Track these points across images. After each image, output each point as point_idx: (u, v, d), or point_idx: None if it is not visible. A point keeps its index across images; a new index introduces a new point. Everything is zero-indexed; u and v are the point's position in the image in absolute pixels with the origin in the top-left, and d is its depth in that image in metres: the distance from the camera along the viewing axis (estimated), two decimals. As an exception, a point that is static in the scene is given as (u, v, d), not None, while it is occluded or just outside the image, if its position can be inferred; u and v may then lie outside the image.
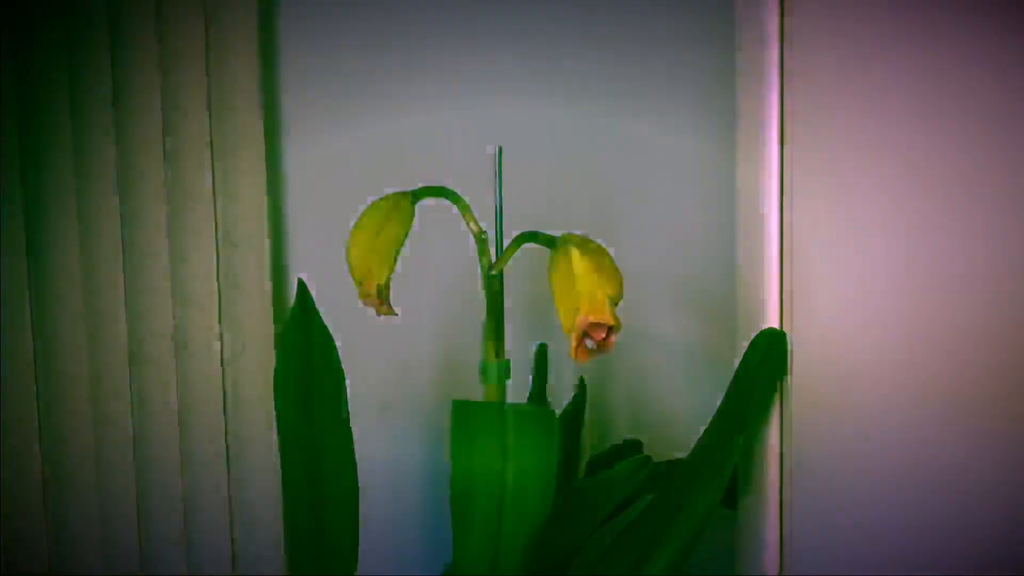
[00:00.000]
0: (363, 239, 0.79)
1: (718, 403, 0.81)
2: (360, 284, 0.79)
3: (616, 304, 0.74)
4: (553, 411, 0.75)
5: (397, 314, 0.79)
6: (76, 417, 1.11)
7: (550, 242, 0.77)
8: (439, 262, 1.04)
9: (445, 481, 0.69)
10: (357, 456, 0.82)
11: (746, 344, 0.79)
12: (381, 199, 0.79)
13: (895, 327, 0.67)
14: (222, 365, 1.09)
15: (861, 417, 0.70)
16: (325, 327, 0.81)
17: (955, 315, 0.63)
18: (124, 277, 1.09)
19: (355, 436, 0.82)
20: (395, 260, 0.79)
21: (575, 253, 0.75)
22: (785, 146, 0.75)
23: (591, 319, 0.73)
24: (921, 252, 0.65)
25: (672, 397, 1.13)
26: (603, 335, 0.74)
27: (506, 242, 0.82)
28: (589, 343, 0.74)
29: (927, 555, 0.66)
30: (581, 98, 1.10)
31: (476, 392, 0.82)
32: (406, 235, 0.79)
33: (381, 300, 0.79)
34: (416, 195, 0.80)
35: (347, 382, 0.82)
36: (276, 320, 1.10)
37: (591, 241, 0.77)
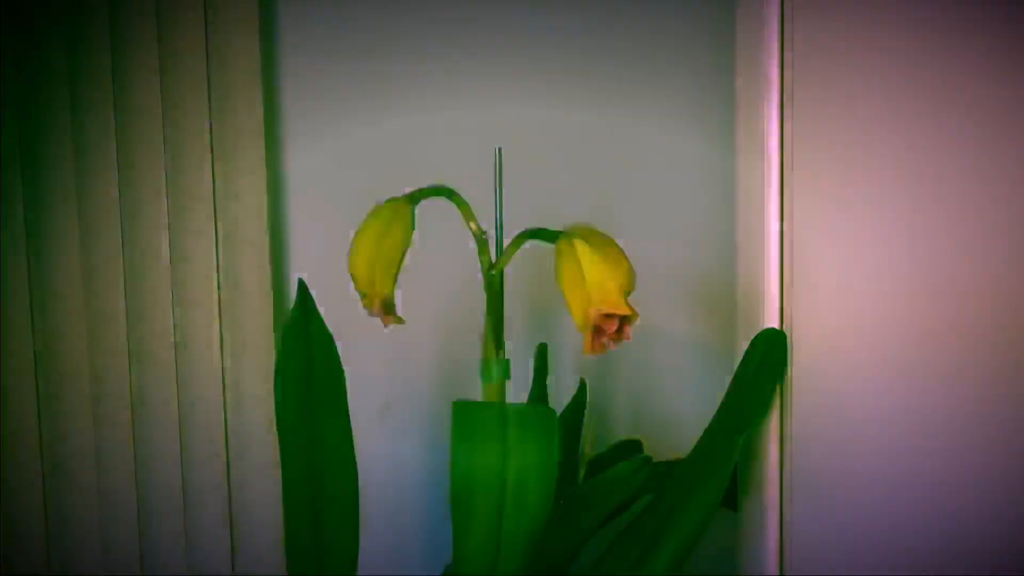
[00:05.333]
0: (365, 251, 0.77)
1: (718, 403, 0.81)
2: (365, 296, 0.78)
3: (628, 294, 0.73)
4: (553, 411, 0.75)
5: (404, 322, 0.79)
6: (76, 416, 1.11)
7: (553, 237, 0.76)
8: (439, 262, 1.04)
9: (445, 481, 0.69)
10: (357, 456, 0.82)
11: (746, 344, 0.79)
12: (381, 207, 0.78)
13: (895, 327, 0.67)
14: (222, 365, 1.09)
15: (861, 417, 0.70)
16: (325, 327, 0.81)
17: (955, 314, 0.63)
18: (124, 276, 1.09)
19: (355, 436, 0.82)
20: (399, 270, 0.78)
21: (581, 244, 0.73)
22: (785, 145, 0.75)
23: (605, 310, 0.71)
24: (921, 251, 0.65)
25: (672, 397, 1.13)
26: (615, 327, 0.72)
27: (506, 242, 0.82)
28: (604, 338, 0.72)
29: (927, 555, 0.66)
30: (581, 98, 1.10)
31: (476, 392, 0.82)
32: (408, 243, 0.78)
33: (387, 310, 0.78)
34: (416, 196, 0.79)
35: (347, 382, 0.82)
36: (276, 320, 1.10)
37: (596, 231, 0.75)
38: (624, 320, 0.72)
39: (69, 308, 1.10)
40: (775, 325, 0.77)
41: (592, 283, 0.72)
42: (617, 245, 0.74)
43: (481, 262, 0.80)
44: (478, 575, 0.72)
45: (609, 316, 0.71)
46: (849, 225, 0.70)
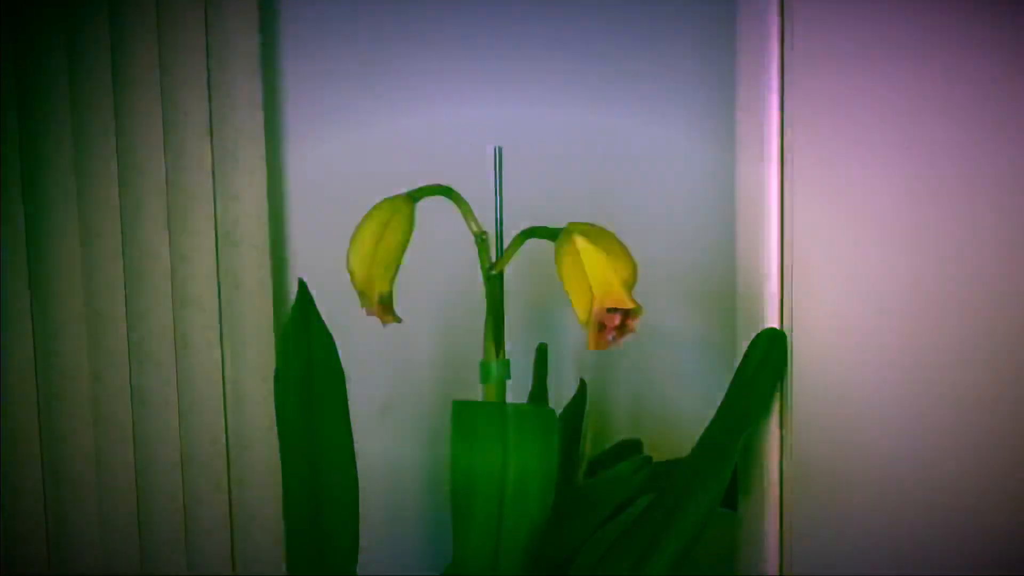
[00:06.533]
0: (364, 248, 0.77)
1: (718, 403, 0.81)
2: (363, 294, 0.77)
3: (631, 287, 0.72)
4: (553, 411, 0.75)
5: (402, 321, 0.79)
6: (76, 417, 1.11)
7: (553, 235, 0.76)
8: (439, 262, 1.04)
9: (445, 481, 0.69)
10: (357, 456, 0.82)
11: (746, 344, 0.79)
12: (380, 204, 0.78)
13: (895, 327, 0.67)
14: (222, 365, 1.09)
15: (861, 417, 0.70)
16: (325, 327, 0.81)
17: (955, 314, 0.63)
18: (124, 276, 1.09)
19: (355, 436, 0.82)
20: (397, 268, 0.78)
21: (581, 239, 0.73)
22: (785, 145, 0.75)
23: (608, 304, 0.70)
24: (921, 251, 0.65)
25: (672, 397, 1.13)
26: (619, 321, 0.71)
27: (506, 242, 0.82)
28: (608, 333, 0.71)
29: (927, 555, 0.66)
30: (581, 98, 1.10)
31: (476, 392, 0.82)
32: (407, 241, 0.78)
33: (385, 309, 0.78)
34: (416, 195, 0.79)
35: (347, 382, 0.82)
36: (276, 320, 1.10)
37: (596, 226, 0.74)
38: (628, 314, 0.71)
39: (69, 308, 1.10)
40: (775, 325, 0.77)
41: (594, 278, 0.71)
42: (618, 239, 0.74)
43: (481, 262, 0.80)
44: (478, 575, 0.72)
45: (612, 311, 0.70)
46: (849, 225, 0.70)
